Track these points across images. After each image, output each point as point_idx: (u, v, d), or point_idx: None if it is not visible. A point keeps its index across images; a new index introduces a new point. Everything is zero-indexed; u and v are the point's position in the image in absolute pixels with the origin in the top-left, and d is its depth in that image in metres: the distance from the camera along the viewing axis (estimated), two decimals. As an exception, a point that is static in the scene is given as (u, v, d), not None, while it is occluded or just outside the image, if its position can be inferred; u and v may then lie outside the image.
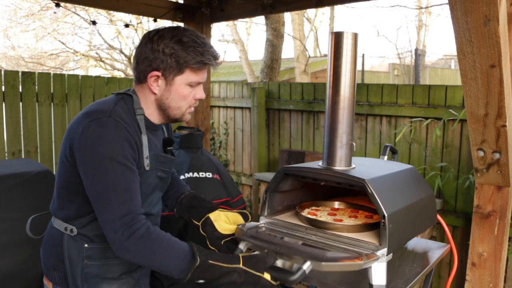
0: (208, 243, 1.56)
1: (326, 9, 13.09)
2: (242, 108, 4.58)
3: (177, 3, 3.96)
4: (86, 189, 1.34)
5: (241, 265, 1.31)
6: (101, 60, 16.14)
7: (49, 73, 3.90)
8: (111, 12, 12.06)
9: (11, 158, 3.59)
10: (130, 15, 9.01)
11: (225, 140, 4.85)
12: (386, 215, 1.32)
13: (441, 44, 34.94)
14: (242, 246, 1.49)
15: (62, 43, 15.23)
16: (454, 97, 3.04)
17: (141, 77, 1.44)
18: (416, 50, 12.47)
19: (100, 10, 12.01)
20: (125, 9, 3.76)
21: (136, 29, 13.33)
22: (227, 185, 2.84)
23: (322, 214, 1.66)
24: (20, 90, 3.64)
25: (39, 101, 3.76)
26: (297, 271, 1.27)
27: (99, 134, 1.31)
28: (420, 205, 1.57)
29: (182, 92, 1.44)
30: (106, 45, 15.44)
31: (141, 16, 4.40)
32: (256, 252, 1.39)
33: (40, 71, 12.67)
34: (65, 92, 3.91)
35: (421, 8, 15.68)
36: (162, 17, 3.86)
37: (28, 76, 3.69)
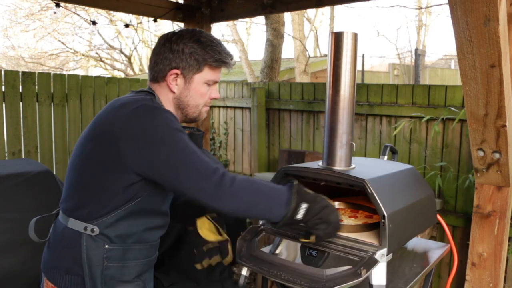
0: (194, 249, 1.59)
1: (326, 9, 13.10)
2: (242, 108, 4.58)
3: (177, 3, 3.96)
4: (155, 170, 1.31)
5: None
6: (101, 60, 16.16)
7: (49, 73, 3.90)
8: (111, 12, 12.07)
9: (11, 158, 3.59)
10: (130, 15, 9.01)
11: (225, 140, 4.85)
12: (386, 215, 1.32)
13: (441, 44, 34.95)
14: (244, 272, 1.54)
15: (62, 43, 15.25)
16: (454, 97, 3.04)
17: (159, 76, 1.47)
18: (416, 50, 12.46)
19: (100, 10, 12.01)
20: (125, 9, 3.76)
21: (136, 29, 13.33)
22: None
23: (322, 214, 1.66)
24: (20, 90, 3.65)
25: (39, 101, 3.76)
26: None
27: (152, 113, 1.32)
28: (420, 205, 1.57)
29: (200, 90, 1.49)
30: (106, 45, 15.45)
31: (141, 16, 4.41)
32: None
33: (40, 71, 12.67)
34: (65, 92, 3.91)
35: (421, 8, 15.68)
36: (162, 17, 3.86)
37: (28, 76, 3.69)
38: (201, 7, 3.95)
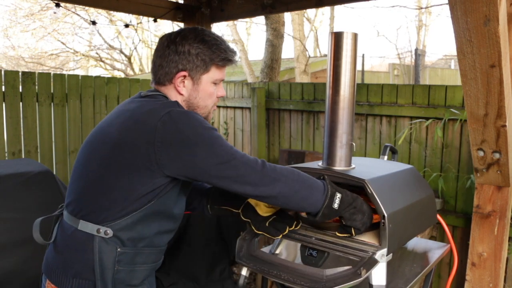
0: (253, 228, 1.53)
1: (326, 9, 13.10)
2: (242, 108, 4.58)
3: (177, 3, 3.96)
4: (199, 171, 1.31)
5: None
6: (101, 60, 16.17)
7: (49, 73, 3.90)
8: (111, 12, 12.07)
9: (11, 158, 3.59)
10: (130, 15, 9.01)
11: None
12: (386, 215, 1.32)
13: (441, 44, 34.97)
14: (244, 272, 1.55)
15: (62, 43, 15.26)
16: (454, 97, 3.04)
17: (165, 79, 1.45)
18: (416, 50, 12.47)
19: (100, 10, 12.02)
20: (125, 9, 3.76)
21: (136, 29, 13.34)
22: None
23: (322, 214, 1.65)
24: (20, 90, 3.65)
25: (39, 101, 3.76)
26: None
27: (185, 116, 1.32)
28: (420, 205, 1.57)
29: (209, 90, 1.48)
30: (106, 45, 15.46)
31: (141, 16, 4.40)
32: None
33: (40, 71, 12.67)
34: (65, 92, 3.91)
35: (421, 8, 15.69)
36: (162, 17, 3.86)
37: (28, 76, 3.69)
38: (201, 7, 3.95)
